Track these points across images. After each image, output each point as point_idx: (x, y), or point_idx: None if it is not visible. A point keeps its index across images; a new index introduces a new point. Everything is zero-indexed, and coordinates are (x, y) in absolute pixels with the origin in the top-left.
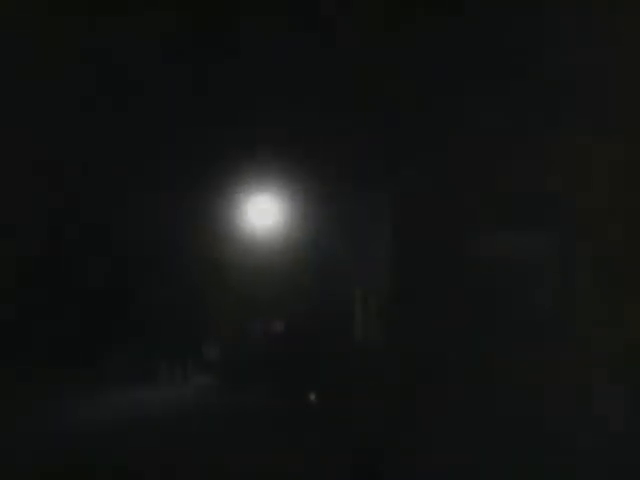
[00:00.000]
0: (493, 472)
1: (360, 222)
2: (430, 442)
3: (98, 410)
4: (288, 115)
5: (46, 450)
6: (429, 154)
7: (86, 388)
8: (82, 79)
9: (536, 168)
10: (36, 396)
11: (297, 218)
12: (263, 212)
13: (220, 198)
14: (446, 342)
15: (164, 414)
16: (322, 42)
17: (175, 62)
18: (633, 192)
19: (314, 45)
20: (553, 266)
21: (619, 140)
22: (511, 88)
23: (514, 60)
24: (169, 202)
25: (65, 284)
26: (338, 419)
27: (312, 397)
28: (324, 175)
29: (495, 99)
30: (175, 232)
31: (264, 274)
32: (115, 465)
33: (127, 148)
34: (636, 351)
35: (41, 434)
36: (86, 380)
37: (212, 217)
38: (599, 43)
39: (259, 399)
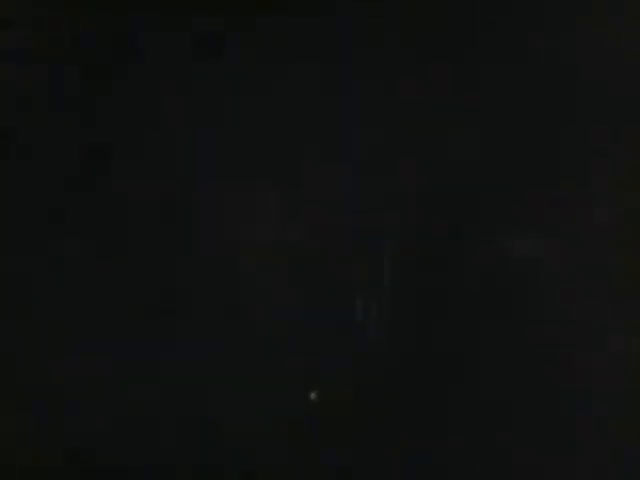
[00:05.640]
0: (494, 471)
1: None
2: (430, 442)
3: None
4: None
5: None
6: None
7: None
8: None
9: (537, 166)
10: None
11: None
12: None
13: None
14: (446, 343)
15: None
16: None
17: None
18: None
19: None
20: (556, 267)
21: (620, 140)
22: (510, 84)
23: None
24: None
25: None
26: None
27: (313, 397)
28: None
29: (497, 95)
30: None
31: None
32: None
33: None
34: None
35: None
36: None
37: None
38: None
39: None
